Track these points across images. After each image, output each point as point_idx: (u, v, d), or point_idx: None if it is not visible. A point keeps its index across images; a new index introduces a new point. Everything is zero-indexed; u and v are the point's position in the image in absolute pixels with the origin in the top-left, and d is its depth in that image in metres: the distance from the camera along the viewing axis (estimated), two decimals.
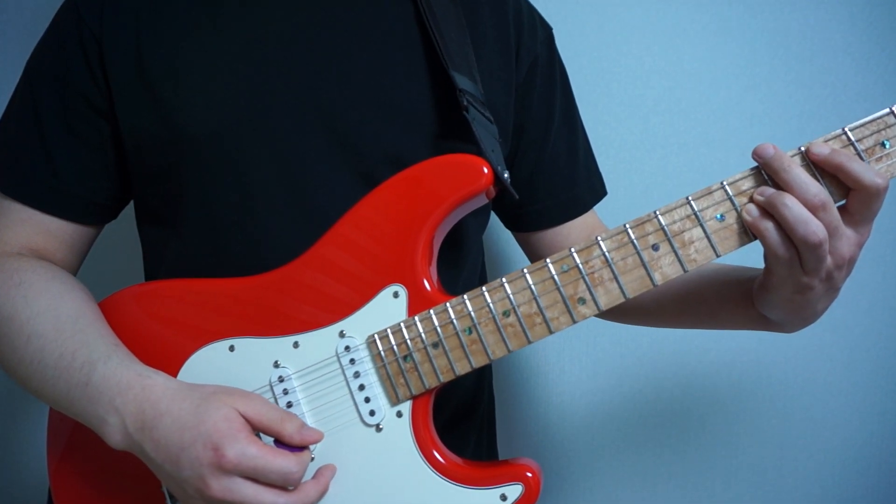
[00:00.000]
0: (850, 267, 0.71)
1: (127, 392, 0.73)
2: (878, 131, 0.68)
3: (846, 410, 1.23)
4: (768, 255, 0.71)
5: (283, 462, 0.71)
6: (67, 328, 0.78)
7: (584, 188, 1.01)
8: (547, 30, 0.99)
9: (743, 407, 1.26)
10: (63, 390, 0.76)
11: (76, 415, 0.77)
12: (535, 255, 1.04)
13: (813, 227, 0.67)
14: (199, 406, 0.72)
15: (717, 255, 0.71)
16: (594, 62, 1.25)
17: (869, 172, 0.66)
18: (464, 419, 1.00)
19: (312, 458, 0.78)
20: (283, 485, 0.72)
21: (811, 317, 0.76)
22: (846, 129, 0.69)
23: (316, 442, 0.76)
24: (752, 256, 1.20)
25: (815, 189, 0.67)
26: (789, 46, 1.21)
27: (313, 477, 0.77)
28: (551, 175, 0.98)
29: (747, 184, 0.71)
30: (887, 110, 0.68)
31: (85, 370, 0.75)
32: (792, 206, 0.67)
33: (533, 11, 0.99)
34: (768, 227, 0.69)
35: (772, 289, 0.73)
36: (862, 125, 0.69)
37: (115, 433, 0.73)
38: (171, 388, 0.74)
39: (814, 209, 0.67)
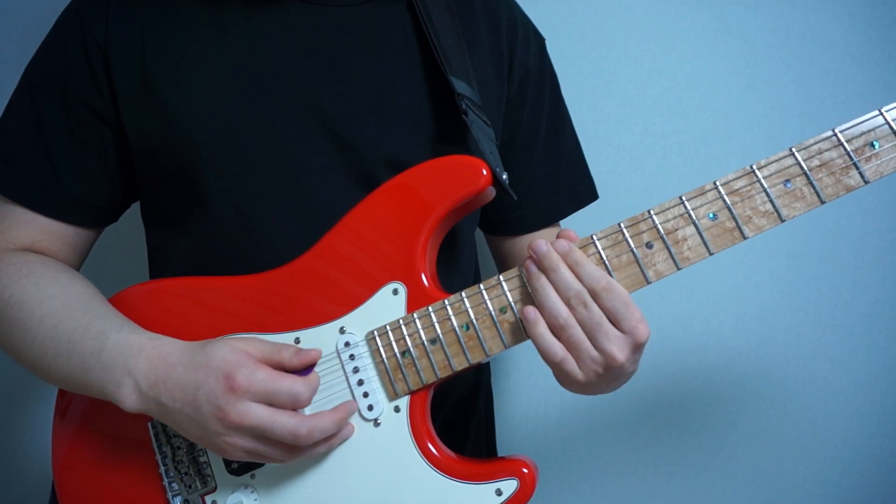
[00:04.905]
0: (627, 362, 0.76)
1: (139, 354, 0.77)
2: (868, 132, 0.69)
3: (846, 410, 1.22)
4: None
5: (290, 382, 0.74)
6: (80, 307, 0.82)
7: (565, 196, 1.02)
8: (540, 41, 1.00)
9: (743, 407, 1.25)
10: (77, 361, 0.79)
11: (90, 385, 0.79)
12: (503, 258, 1.05)
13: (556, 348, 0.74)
14: (205, 347, 0.76)
15: (710, 253, 0.72)
16: (595, 61, 1.25)
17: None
18: (462, 418, 1.01)
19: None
20: (292, 406, 0.75)
21: (606, 391, 0.81)
22: (836, 130, 0.70)
23: (315, 360, 0.79)
24: (748, 255, 1.22)
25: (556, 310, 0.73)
26: (789, 46, 1.21)
27: (332, 408, 0.78)
28: (534, 184, 0.99)
29: (740, 183, 0.72)
30: (876, 112, 0.68)
31: (99, 340, 0.78)
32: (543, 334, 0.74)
33: (528, 24, 0.99)
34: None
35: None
36: (851, 126, 0.69)
37: (129, 395, 0.76)
38: (179, 345, 0.78)
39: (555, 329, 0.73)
